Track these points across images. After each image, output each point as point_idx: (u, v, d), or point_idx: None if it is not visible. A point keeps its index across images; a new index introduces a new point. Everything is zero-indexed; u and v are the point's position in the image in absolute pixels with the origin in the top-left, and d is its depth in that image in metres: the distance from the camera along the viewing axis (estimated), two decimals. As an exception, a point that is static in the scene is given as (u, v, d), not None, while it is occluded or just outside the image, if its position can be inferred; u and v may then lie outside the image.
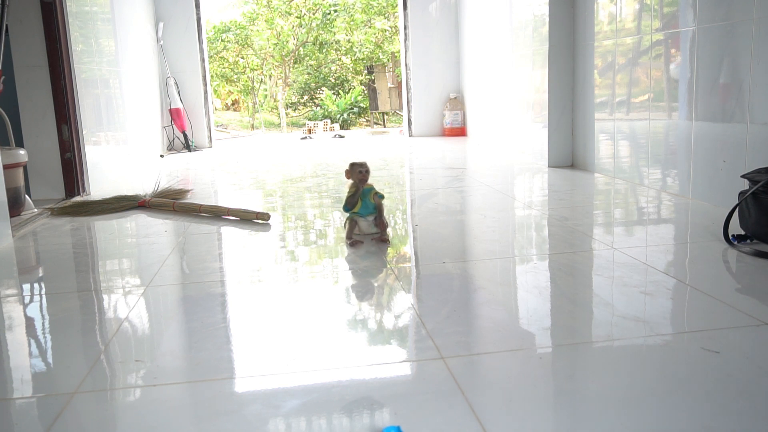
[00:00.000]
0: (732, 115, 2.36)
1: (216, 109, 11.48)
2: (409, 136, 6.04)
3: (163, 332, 1.44)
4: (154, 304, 1.62)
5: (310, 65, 11.73)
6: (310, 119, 10.10)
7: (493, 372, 1.18)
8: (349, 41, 11.45)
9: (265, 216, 2.51)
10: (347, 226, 2.15)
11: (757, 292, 1.55)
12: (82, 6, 3.50)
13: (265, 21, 11.32)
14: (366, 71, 10.44)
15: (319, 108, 11.17)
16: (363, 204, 2.12)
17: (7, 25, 2.92)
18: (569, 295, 1.56)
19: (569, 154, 3.71)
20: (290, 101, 11.86)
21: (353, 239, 2.12)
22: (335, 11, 11.20)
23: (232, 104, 12.28)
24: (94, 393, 1.14)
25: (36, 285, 1.87)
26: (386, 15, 11.21)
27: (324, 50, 11.50)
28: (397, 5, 7.57)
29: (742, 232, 1.94)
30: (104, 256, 2.16)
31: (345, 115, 10.46)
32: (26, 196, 2.86)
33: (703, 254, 1.85)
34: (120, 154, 4.08)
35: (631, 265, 1.75)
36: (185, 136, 5.49)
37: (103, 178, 3.64)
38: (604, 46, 3.25)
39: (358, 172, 2.13)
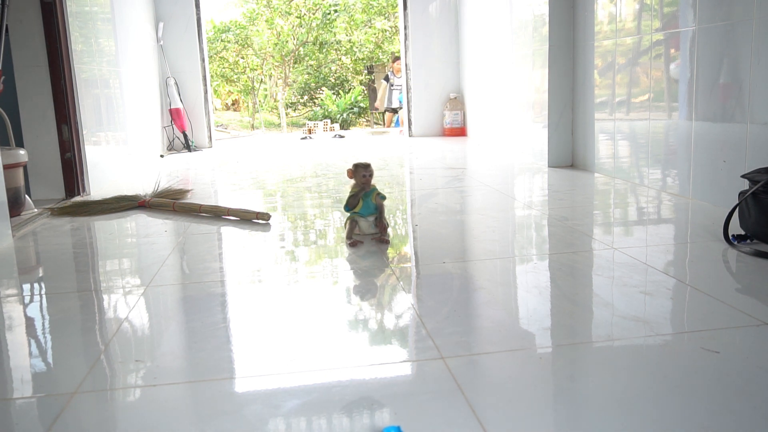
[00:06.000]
0: (732, 115, 2.36)
1: (216, 109, 11.48)
2: (409, 136, 6.04)
3: (163, 332, 1.44)
4: (154, 304, 1.62)
5: (310, 65, 11.73)
6: (310, 119, 10.11)
7: (493, 372, 1.18)
8: (349, 41, 11.45)
9: (265, 216, 2.51)
10: (347, 226, 2.15)
11: (757, 292, 1.55)
12: (82, 6, 3.50)
13: (265, 21, 11.32)
14: (366, 71, 10.44)
15: (319, 108, 11.16)
16: (364, 204, 2.12)
17: (7, 25, 2.92)
18: (569, 295, 1.56)
19: (569, 154, 3.71)
20: (290, 101, 11.86)
21: (353, 239, 2.12)
22: (335, 11, 11.20)
23: (232, 104, 12.29)
24: (94, 393, 1.14)
25: (36, 285, 1.87)
26: (386, 15, 11.21)
27: (324, 50, 11.50)
28: (397, 5, 7.57)
29: (742, 232, 1.94)
30: (104, 256, 2.16)
31: (345, 115, 10.46)
32: (26, 196, 2.86)
33: (703, 254, 1.85)
34: (120, 154, 4.08)
35: (631, 265, 1.75)
36: (185, 136, 5.49)
37: (103, 178, 3.64)
38: (604, 46, 3.25)
39: (362, 175, 2.12)
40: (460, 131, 5.82)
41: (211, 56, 10.93)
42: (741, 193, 1.95)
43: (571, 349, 1.26)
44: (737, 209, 1.97)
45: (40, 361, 1.33)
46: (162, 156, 5.15)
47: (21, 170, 2.79)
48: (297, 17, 11.34)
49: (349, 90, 11.27)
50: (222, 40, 11.16)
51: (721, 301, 1.46)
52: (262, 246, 2.16)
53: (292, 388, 1.14)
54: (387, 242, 2.11)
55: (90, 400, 1.12)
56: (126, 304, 1.61)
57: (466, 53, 5.59)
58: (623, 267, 1.75)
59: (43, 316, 1.59)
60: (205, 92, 5.70)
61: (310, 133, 7.20)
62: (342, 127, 9.20)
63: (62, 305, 1.64)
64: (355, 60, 11.46)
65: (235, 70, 11.50)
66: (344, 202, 2.17)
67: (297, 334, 1.38)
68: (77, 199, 3.19)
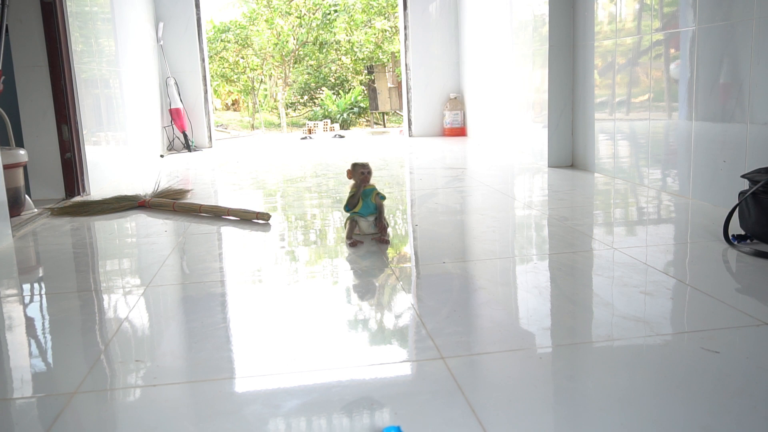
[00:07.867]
0: (732, 115, 2.36)
1: (216, 109, 11.47)
2: (409, 136, 6.04)
3: (163, 332, 1.44)
4: (154, 304, 1.62)
5: (310, 65, 11.73)
6: (310, 119, 10.10)
7: (493, 372, 1.18)
8: (349, 41, 11.45)
9: (265, 216, 2.51)
10: (347, 226, 2.15)
11: (757, 292, 1.55)
12: (82, 6, 3.50)
13: (265, 21, 11.32)
14: (366, 71, 10.44)
15: (319, 108, 11.16)
16: (364, 204, 2.12)
17: (7, 25, 2.92)
18: (569, 295, 1.56)
19: (569, 154, 3.70)
20: (290, 101, 11.86)
21: (353, 239, 2.12)
22: (335, 11, 11.19)
23: (232, 104, 12.28)
24: (94, 393, 1.14)
25: (36, 285, 1.87)
26: (386, 15, 11.21)
27: (324, 50, 11.50)
28: (397, 5, 7.57)
29: (742, 232, 1.94)
30: (104, 256, 2.16)
31: (345, 115, 10.46)
32: (26, 196, 2.86)
33: (703, 254, 1.85)
34: (120, 154, 4.08)
35: (631, 265, 1.75)
36: (185, 136, 5.49)
37: (103, 178, 3.64)
38: (604, 46, 3.25)
39: (360, 172, 2.13)
40: (460, 131, 5.81)
41: (211, 56, 10.93)
42: (741, 193, 1.95)
43: (571, 349, 1.26)
44: (737, 209, 1.97)
45: (40, 361, 1.33)
46: (162, 156, 5.15)
47: (21, 170, 2.79)
48: (297, 17, 11.34)
49: (349, 90, 11.27)
50: (222, 40, 11.16)
51: (721, 301, 1.46)
52: (262, 246, 2.16)
53: (292, 388, 1.14)
54: (387, 242, 2.11)
55: (90, 400, 1.12)
56: (126, 304, 1.61)
57: (466, 53, 5.59)
58: (623, 267, 1.75)
59: (43, 316, 1.59)
60: (205, 92, 5.70)
61: (310, 133, 7.20)
62: (342, 127, 9.20)
63: (62, 305, 1.64)
64: (355, 60, 11.46)
65: (235, 70, 11.49)
66: (344, 203, 2.17)
67: (297, 334, 1.38)
68: (77, 199, 3.19)
